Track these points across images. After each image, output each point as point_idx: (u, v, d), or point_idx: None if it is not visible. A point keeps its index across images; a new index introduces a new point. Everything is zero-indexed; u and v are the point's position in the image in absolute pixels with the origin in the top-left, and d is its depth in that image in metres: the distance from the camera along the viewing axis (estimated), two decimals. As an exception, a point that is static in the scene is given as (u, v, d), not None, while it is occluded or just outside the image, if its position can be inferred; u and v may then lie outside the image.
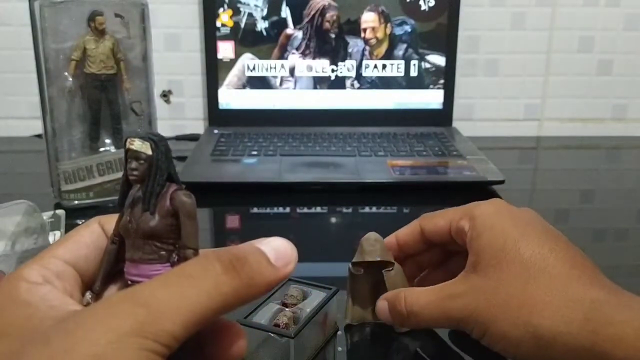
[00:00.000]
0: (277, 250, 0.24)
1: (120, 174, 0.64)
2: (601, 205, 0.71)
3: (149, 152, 0.24)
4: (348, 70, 0.90)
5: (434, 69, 0.90)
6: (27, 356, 0.19)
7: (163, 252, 0.24)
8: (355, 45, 0.89)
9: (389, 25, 0.89)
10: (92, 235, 0.26)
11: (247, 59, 0.89)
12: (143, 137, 0.24)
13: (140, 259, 0.24)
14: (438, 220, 0.38)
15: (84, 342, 0.19)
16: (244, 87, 0.90)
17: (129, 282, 0.24)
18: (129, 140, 0.24)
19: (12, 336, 0.20)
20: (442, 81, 0.91)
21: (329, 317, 0.40)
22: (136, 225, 0.24)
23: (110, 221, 0.27)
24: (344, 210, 0.66)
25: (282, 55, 0.89)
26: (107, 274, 0.25)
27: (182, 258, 0.24)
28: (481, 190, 0.69)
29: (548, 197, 0.73)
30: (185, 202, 0.24)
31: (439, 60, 0.90)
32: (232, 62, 0.89)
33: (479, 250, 0.33)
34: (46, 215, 0.57)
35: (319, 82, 0.90)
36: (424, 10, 0.89)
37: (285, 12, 0.88)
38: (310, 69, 0.90)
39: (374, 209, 0.67)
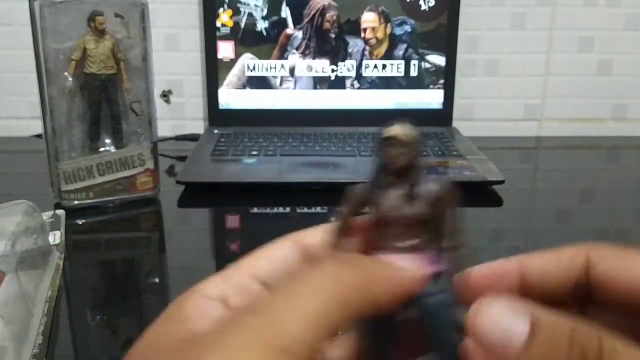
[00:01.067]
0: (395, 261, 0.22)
1: (120, 174, 0.64)
2: (601, 205, 0.71)
3: (413, 137, 0.23)
4: (348, 70, 0.90)
5: (434, 68, 0.90)
6: None
7: (426, 243, 0.23)
8: (355, 45, 0.89)
9: (389, 25, 0.89)
10: (286, 250, 0.24)
11: (247, 59, 0.89)
12: (400, 122, 0.23)
13: (417, 246, 0.23)
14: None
15: None
16: (244, 87, 0.90)
17: None
18: (389, 127, 0.23)
19: (155, 352, 0.19)
20: (442, 81, 0.91)
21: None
22: (410, 213, 0.23)
23: (308, 236, 0.25)
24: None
25: (282, 55, 0.89)
26: None
27: (449, 248, 0.23)
28: (481, 190, 0.69)
29: (548, 197, 0.73)
30: (450, 190, 0.23)
31: (439, 60, 0.90)
32: (232, 62, 0.89)
33: None
34: (46, 215, 0.57)
35: (319, 82, 0.90)
36: (424, 10, 0.89)
37: (285, 12, 0.88)
38: (310, 69, 0.90)
39: (374, 209, 0.67)
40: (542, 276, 0.22)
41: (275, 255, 0.24)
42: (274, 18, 0.88)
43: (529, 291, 0.22)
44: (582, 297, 0.22)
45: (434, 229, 0.23)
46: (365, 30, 0.89)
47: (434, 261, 0.23)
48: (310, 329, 0.18)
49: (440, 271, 0.22)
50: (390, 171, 0.23)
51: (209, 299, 0.21)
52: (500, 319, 0.18)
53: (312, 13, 0.88)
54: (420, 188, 0.23)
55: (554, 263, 0.22)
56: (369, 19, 0.89)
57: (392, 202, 0.23)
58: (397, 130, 0.23)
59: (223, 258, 0.57)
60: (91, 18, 0.60)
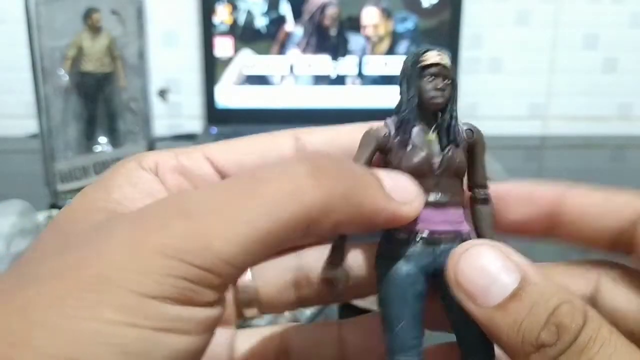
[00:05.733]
0: (395, 178, 0.18)
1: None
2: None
3: (452, 67, 0.19)
4: (349, 67, 0.89)
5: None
6: (43, 260, 0.15)
7: (457, 197, 0.20)
8: (356, 42, 0.88)
9: (390, 21, 0.88)
10: (271, 143, 0.20)
11: (246, 56, 0.88)
12: (435, 49, 0.19)
13: (450, 202, 0.19)
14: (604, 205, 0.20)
15: (96, 259, 0.14)
16: (242, 84, 0.89)
17: (427, 234, 0.19)
18: (429, 53, 0.19)
19: (63, 228, 0.17)
20: (444, 79, 0.90)
21: (329, 320, 0.39)
22: (446, 160, 0.19)
23: (313, 133, 0.20)
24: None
25: (281, 52, 0.88)
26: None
27: (482, 200, 0.20)
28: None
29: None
30: (482, 134, 0.20)
31: (442, 57, 0.89)
32: (231, 59, 0.88)
33: None
34: (42, 216, 0.57)
35: (320, 80, 0.89)
36: (427, 6, 0.88)
37: (285, 8, 0.87)
38: (310, 66, 0.89)
39: (375, 209, 0.66)
40: (582, 217, 0.19)
41: (255, 146, 0.20)
42: (274, 14, 0.87)
43: (562, 227, 0.19)
44: (622, 250, 0.19)
45: (461, 180, 0.20)
46: (366, 26, 0.88)
47: (463, 219, 0.20)
48: (246, 250, 0.14)
49: (467, 231, 0.19)
50: (428, 109, 0.19)
51: (146, 171, 0.18)
52: (490, 265, 0.16)
53: (313, 9, 0.87)
54: (456, 131, 0.19)
55: (601, 206, 0.19)
56: (370, 15, 0.87)
57: (426, 148, 0.19)
58: (440, 57, 0.19)
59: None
60: (87, 15, 0.60)
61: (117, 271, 0.14)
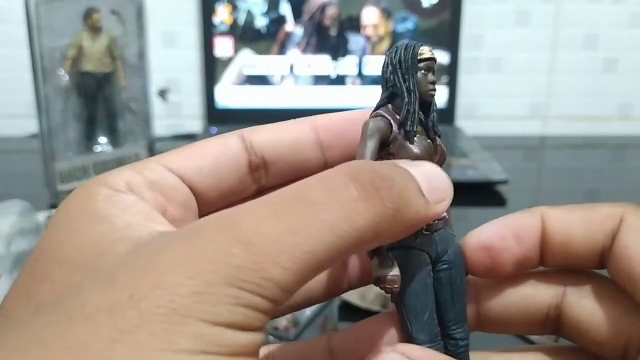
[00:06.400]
0: (431, 178, 0.17)
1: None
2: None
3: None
4: (349, 67, 0.89)
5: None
6: (83, 296, 0.14)
7: None
8: (356, 42, 0.88)
9: (390, 21, 0.88)
10: (221, 147, 0.20)
11: (246, 56, 0.88)
12: (425, 45, 0.20)
13: None
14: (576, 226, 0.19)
15: (156, 289, 0.14)
16: (242, 84, 0.89)
17: (432, 222, 0.19)
18: (423, 48, 0.20)
19: (73, 262, 0.16)
20: (445, 79, 0.90)
21: (330, 320, 0.39)
22: (440, 150, 0.20)
23: (260, 133, 0.20)
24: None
25: (281, 52, 0.88)
26: None
27: None
28: (485, 190, 0.68)
29: (553, 197, 0.72)
30: None
31: (442, 57, 0.89)
32: (231, 59, 0.88)
33: None
34: (42, 216, 0.57)
35: (320, 80, 0.89)
36: (427, 6, 0.87)
37: (285, 8, 0.87)
38: (310, 66, 0.88)
39: (375, 209, 0.66)
40: (566, 241, 0.18)
41: (204, 148, 0.20)
42: (274, 14, 0.87)
43: (550, 254, 0.19)
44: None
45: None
46: (366, 26, 0.88)
47: None
48: (300, 276, 0.14)
49: (447, 216, 0.20)
50: (424, 101, 0.20)
51: (126, 194, 0.17)
52: None
53: (313, 9, 0.87)
54: (438, 124, 0.20)
55: (582, 226, 0.18)
56: (370, 15, 0.87)
57: (425, 141, 0.19)
58: (431, 52, 0.20)
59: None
60: (87, 15, 0.60)
61: (185, 302, 0.14)
